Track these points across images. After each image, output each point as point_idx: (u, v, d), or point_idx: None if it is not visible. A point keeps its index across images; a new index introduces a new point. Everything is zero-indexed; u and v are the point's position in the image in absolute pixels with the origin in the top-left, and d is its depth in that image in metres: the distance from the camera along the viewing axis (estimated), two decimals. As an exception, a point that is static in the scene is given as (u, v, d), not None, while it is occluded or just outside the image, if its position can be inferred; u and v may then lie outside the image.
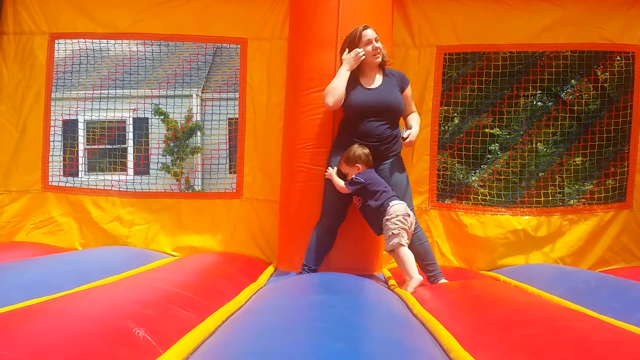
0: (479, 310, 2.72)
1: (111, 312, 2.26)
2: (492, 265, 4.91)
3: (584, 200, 6.43)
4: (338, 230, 4.09)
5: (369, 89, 4.03)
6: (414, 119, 4.17)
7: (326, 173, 4.00)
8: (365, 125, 3.97)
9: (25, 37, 5.24)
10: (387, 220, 3.73)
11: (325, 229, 4.02)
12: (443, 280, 3.89)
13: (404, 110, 4.12)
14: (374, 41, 3.98)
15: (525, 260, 4.91)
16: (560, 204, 6.63)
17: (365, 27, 3.98)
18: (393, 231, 3.70)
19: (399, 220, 3.70)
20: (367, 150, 3.92)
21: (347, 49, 4.02)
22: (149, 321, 2.21)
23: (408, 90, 4.16)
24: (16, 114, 5.23)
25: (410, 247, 3.98)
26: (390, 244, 3.71)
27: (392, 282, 3.91)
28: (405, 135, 3.99)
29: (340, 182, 3.90)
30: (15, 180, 5.20)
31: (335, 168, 3.98)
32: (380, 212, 3.77)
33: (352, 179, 3.85)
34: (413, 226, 3.83)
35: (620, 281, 3.63)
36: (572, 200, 7.05)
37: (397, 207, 3.74)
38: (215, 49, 13.05)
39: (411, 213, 3.81)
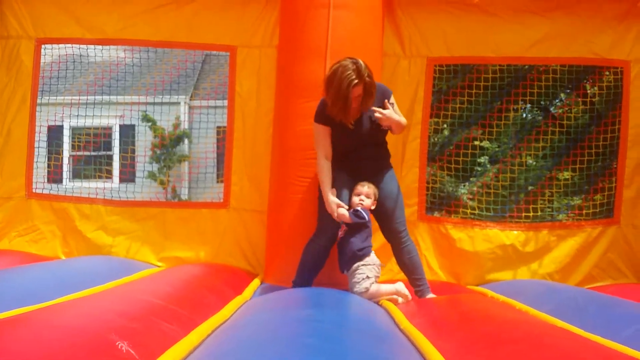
0: (467, 326, 2.73)
1: (94, 325, 2.24)
2: (480, 280, 4.90)
3: (572, 215, 6.46)
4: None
5: (350, 124, 3.81)
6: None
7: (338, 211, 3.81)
8: (354, 150, 3.92)
9: (12, 42, 5.19)
10: (363, 265, 3.71)
11: (321, 248, 3.93)
12: (430, 295, 3.89)
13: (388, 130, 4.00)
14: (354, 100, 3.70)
15: (513, 276, 4.90)
16: (549, 218, 6.64)
17: (355, 85, 3.61)
18: (368, 274, 3.69)
19: (374, 269, 3.71)
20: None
21: (330, 92, 3.67)
22: (133, 334, 2.20)
23: (390, 101, 3.93)
24: (1, 118, 5.18)
25: (399, 260, 4.01)
26: (361, 286, 3.66)
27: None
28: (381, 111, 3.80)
29: (345, 214, 3.76)
30: (-2, 186, 5.14)
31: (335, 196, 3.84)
32: (356, 256, 3.73)
33: (358, 210, 3.79)
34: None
35: (607, 298, 3.64)
36: (560, 216, 7.07)
37: (375, 258, 3.77)
38: (204, 56, 13.04)
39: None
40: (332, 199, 3.80)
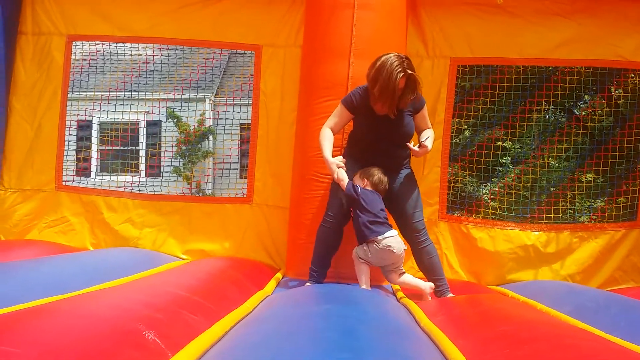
0: (487, 325, 2.72)
1: (121, 314, 2.28)
2: (500, 280, 4.89)
3: (594, 217, 6.39)
4: (344, 236, 4.02)
5: (380, 116, 3.88)
6: (428, 133, 4.02)
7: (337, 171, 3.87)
8: (375, 146, 3.94)
9: (43, 38, 5.31)
10: (375, 243, 3.74)
11: (331, 229, 3.95)
12: (450, 295, 3.89)
13: (413, 133, 4.03)
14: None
15: (534, 276, 4.89)
16: (571, 220, 6.59)
17: (401, 77, 3.71)
18: (367, 249, 3.75)
19: (378, 252, 3.74)
20: (385, 179, 3.88)
21: (378, 82, 3.73)
22: (159, 324, 2.23)
23: (423, 111, 4.03)
24: (32, 113, 5.29)
25: (418, 261, 4.02)
26: (355, 250, 3.82)
27: (400, 293, 3.91)
28: (421, 142, 3.91)
29: (344, 178, 3.82)
30: (29, 179, 5.26)
31: (342, 159, 3.91)
32: (367, 233, 3.76)
33: (354, 185, 3.83)
34: (398, 263, 3.83)
35: (629, 301, 3.60)
36: (582, 217, 7.01)
37: (385, 241, 3.74)
38: (229, 54, 13.11)
39: (398, 250, 3.76)
40: (332, 160, 3.85)
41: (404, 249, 3.83)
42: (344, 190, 3.82)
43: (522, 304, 3.74)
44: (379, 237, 3.73)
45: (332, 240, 3.98)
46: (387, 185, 3.91)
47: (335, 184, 3.93)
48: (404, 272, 3.89)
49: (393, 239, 3.76)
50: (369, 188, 3.86)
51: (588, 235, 4.98)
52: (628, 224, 5.02)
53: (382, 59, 3.75)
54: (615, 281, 4.91)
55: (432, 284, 3.84)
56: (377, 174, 3.87)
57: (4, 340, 1.80)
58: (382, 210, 3.83)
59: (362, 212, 3.78)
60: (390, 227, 3.82)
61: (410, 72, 3.74)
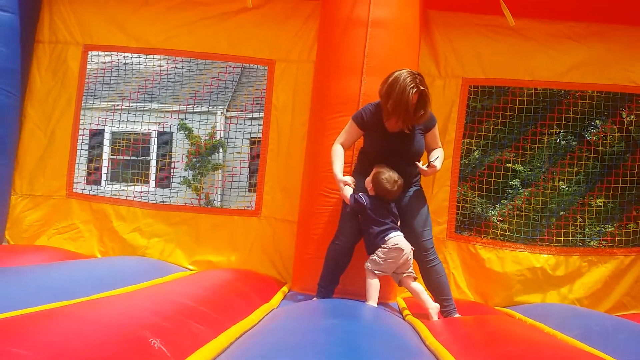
0: (493, 345, 2.71)
1: (129, 321, 2.30)
2: (508, 302, 4.86)
3: (604, 242, 6.35)
4: (353, 253, 4.01)
5: (391, 133, 3.89)
6: (437, 153, 4.01)
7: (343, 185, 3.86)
8: (385, 163, 3.92)
9: (59, 47, 5.38)
10: (384, 245, 3.76)
11: (342, 248, 3.95)
12: (456, 316, 3.87)
13: (424, 151, 4.04)
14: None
15: (542, 299, 4.85)
16: (580, 244, 6.54)
17: (414, 92, 3.69)
18: (377, 257, 3.76)
19: (387, 252, 3.75)
20: (392, 189, 3.81)
21: (391, 97, 3.72)
22: (165, 333, 2.24)
23: (434, 130, 4.03)
24: (45, 120, 5.35)
25: (426, 280, 3.99)
26: (366, 264, 3.82)
27: (406, 312, 3.90)
28: (430, 162, 3.91)
29: (347, 192, 3.82)
30: (40, 185, 5.31)
31: (352, 179, 3.89)
32: (377, 241, 3.78)
33: (359, 196, 3.82)
34: (408, 265, 3.82)
35: (637, 327, 3.57)
36: (592, 242, 6.96)
37: (392, 240, 3.75)
38: (242, 68, 13.23)
39: (406, 248, 3.77)
40: (341, 177, 3.84)
41: (412, 249, 3.82)
42: (348, 205, 3.83)
43: (529, 326, 3.72)
44: (386, 239, 3.76)
45: (342, 258, 3.99)
46: (400, 190, 3.87)
47: (344, 205, 3.94)
48: (416, 278, 3.88)
49: (399, 237, 3.78)
50: (373, 193, 3.86)
51: (597, 260, 4.94)
52: (638, 250, 4.97)
53: (395, 74, 3.76)
54: (624, 306, 4.86)
55: (438, 305, 3.81)
56: (387, 184, 3.81)
57: (15, 342, 1.82)
58: (388, 215, 3.84)
59: (372, 222, 3.79)
60: (396, 228, 3.84)
61: (423, 88, 3.74)
